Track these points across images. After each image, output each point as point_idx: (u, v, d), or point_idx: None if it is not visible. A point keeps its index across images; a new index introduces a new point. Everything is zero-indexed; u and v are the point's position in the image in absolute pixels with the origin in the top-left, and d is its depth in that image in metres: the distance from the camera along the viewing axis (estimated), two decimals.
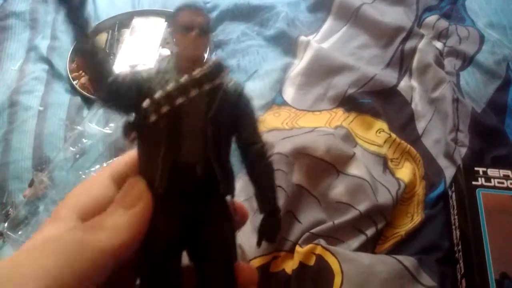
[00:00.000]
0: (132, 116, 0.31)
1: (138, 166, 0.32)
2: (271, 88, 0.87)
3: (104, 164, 0.71)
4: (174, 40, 0.32)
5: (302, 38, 0.94)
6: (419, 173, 0.79)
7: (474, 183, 0.68)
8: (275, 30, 0.97)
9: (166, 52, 0.96)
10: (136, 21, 1.02)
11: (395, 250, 0.70)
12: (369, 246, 0.70)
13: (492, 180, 0.69)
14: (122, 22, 1.03)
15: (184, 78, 0.30)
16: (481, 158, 0.79)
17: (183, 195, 0.32)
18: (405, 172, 0.77)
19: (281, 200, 0.69)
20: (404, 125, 0.84)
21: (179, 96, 0.30)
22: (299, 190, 0.73)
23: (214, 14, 1.04)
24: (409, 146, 0.80)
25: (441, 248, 0.70)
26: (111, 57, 0.93)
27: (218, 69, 0.31)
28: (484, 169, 0.70)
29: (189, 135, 0.31)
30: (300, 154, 0.74)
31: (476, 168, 0.70)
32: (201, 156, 0.31)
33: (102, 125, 0.77)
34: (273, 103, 0.86)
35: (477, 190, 0.67)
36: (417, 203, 0.76)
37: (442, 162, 0.80)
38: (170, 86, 0.30)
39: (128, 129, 0.32)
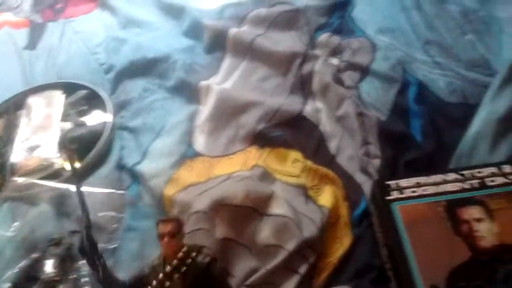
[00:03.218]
0: None
1: None
2: (180, 142, 0.86)
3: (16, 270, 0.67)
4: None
5: (203, 83, 0.93)
6: (341, 195, 0.79)
7: (388, 198, 0.69)
8: (174, 80, 0.96)
9: (68, 125, 0.92)
10: (31, 100, 0.98)
11: (331, 280, 0.70)
12: (305, 283, 0.70)
13: (405, 191, 0.70)
14: (17, 103, 0.98)
15: (167, 268, 0.55)
16: (395, 165, 0.81)
17: None
18: (326, 197, 0.78)
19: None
20: (316, 148, 0.85)
21: (166, 281, 0.54)
22: (226, 243, 0.72)
23: (111, 75, 1.01)
24: (326, 170, 0.81)
25: (374, 267, 0.70)
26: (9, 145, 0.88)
27: (190, 253, 0.55)
28: (396, 181, 0.71)
29: None
30: (220, 206, 0.73)
31: (387, 182, 0.71)
32: None
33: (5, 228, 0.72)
34: (185, 157, 0.84)
35: (392, 205, 0.68)
36: (343, 225, 0.76)
37: (360, 177, 0.81)
38: (160, 276, 0.55)
39: None
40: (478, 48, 0.93)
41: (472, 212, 0.66)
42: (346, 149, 0.84)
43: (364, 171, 0.81)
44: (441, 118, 0.86)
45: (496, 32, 0.94)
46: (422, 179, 0.71)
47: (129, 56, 1.02)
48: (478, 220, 0.65)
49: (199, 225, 0.71)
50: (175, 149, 0.84)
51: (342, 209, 0.78)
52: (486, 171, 0.70)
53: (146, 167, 0.82)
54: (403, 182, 0.71)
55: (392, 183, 0.71)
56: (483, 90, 0.86)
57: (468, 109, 0.85)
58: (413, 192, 0.69)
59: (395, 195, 0.69)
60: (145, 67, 1.00)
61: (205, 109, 0.90)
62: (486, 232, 0.64)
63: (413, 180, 0.71)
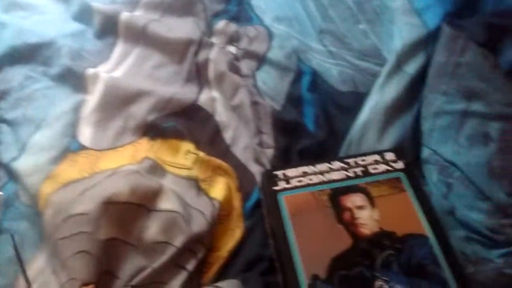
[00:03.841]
0: None
1: None
2: (63, 134, 0.79)
3: None
4: None
5: (90, 70, 0.87)
6: (234, 186, 0.78)
7: (274, 188, 0.69)
8: (59, 67, 0.88)
9: None
10: None
11: (221, 274, 0.69)
12: (194, 279, 0.68)
13: (291, 180, 0.70)
14: None
15: None
16: (288, 155, 0.81)
17: None
18: (218, 189, 0.76)
19: (86, 268, 0.63)
20: (211, 139, 0.83)
21: None
22: (112, 243, 0.68)
23: None
24: (219, 161, 0.79)
25: (264, 258, 0.70)
26: None
27: None
28: (283, 171, 0.71)
29: None
30: (104, 205, 0.68)
31: (275, 172, 0.71)
32: None
33: None
34: (68, 151, 0.78)
35: (278, 195, 0.68)
36: (236, 217, 0.75)
37: (254, 168, 0.80)
38: None
39: None
40: (371, 38, 0.95)
41: (354, 200, 0.68)
42: (241, 139, 0.83)
43: (258, 161, 0.80)
44: (333, 106, 0.87)
45: (388, 22, 0.97)
46: (308, 169, 0.71)
47: (9, 41, 0.93)
48: (360, 207, 0.67)
49: (79, 229, 0.66)
50: (57, 143, 0.78)
51: (235, 201, 0.77)
52: (370, 159, 0.72)
53: (23, 163, 0.75)
54: (290, 172, 0.71)
55: (279, 173, 0.71)
56: (373, 79, 0.88)
57: (358, 98, 0.87)
58: (299, 181, 0.70)
59: (281, 185, 0.69)
60: (27, 53, 0.91)
61: (92, 99, 0.84)
62: (367, 219, 0.66)
63: (299, 170, 0.71)
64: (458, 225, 0.71)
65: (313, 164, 0.71)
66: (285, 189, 0.69)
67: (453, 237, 0.70)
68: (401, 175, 0.70)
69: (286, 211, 0.66)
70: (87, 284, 0.64)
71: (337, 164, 0.71)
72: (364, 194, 0.68)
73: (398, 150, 0.74)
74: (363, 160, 0.72)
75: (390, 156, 0.73)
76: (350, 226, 0.65)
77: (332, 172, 0.71)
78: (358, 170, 0.71)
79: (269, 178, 0.70)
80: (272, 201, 0.68)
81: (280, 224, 0.65)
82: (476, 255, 0.68)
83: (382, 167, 0.71)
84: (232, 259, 0.70)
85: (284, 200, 0.68)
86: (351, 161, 0.72)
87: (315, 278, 0.61)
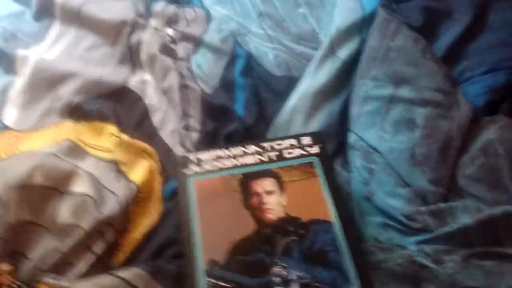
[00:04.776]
0: None
1: None
2: None
3: None
4: None
5: (19, 52, 0.86)
6: (157, 170, 0.78)
7: (185, 171, 0.68)
8: None
9: None
10: None
11: (131, 258, 0.68)
12: (102, 261, 0.67)
13: (204, 164, 0.69)
14: None
15: None
16: (214, 138, 0.81)
17: None
18: (138, 172, 0.75)
19: None
20: (138, 122, 0.82)
21: None
22: (24, 226, 0.67)
23: None
24: (143, 144, 0.79)
25: (176, 242, 0.69)
26: None
27: None
28: (197, 155, 0.70)
29: None
30: (16, 189, 0.68)
31: (188, 156, 0.70)
32: None
33: None
34: None
35: (188, 178, 0.67)
36: (156, 200, 0.75)
37: (179, 151, 0.79)
38: None
39: None
40: (309, 21, 0.94)
41: (264, 185, 0.67)
42: (170, 123, 0.82)
43: (183, 145, 0.80)
44: (265, 91, 0.86)
45: (330, 6, 0.95)
46: (222, 152, 0.70)
47: None
48: (269, 192, 0.66)
49: None
50: None
51: (156, 184, 0.76)
52: (286, 143, 0.71)
53: None
54: (203, 155, 0.70)
55: (192, 156, 0.70)
56: (308, 64, 0.87)
57: (291, 82, 0.86)
58: (212, 165, 0.69)
59: (193, 168, 0.69)
60: None
61: (20, 80, 0.83)
62: (275, 204, 0.65)
63: (213, 153, 0.70)
64: (376, 211, 0.71)
65: (227, 148, 0.70)
66: (196, 173, 0.68)
67: (370, 223, 0.70)
68: (315, 160, 0.69)
69: (193, 195, 0.66)
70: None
71: (252, 148, 0.70)
72: (275, 179, 0.67)
73: (316, 135, 0.72)
74: (278, 145, 0.71)
75: (306, 140, 0.71)
76: (257, 211, 0.64)
77: (246, 156, 0.70)
78: (273, 155, 0.70)
79: (182, 162, 0.70)
80: (181, 184, 0.67)
81: (185, 208, 0.65)
82: (390, 242, 0.67)
83: (297, 152, 0.70)
84: (146, 242, 0.70)
85: (193, 184, 0.67)
86: (266, 145, 0.71)
87: (213, 263, 0.60)
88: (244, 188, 0.67)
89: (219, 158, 0.70)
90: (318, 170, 0.68)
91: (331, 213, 0.64)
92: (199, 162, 0.69)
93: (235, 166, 0.69)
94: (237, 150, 0.70)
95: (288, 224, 0.63)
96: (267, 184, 0.67)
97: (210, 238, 0.62)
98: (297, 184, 0.67)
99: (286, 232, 0.63)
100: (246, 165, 0.69)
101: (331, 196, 0.66)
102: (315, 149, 0.70)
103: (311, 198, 0.66)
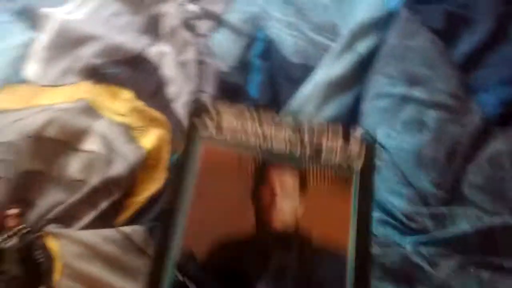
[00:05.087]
0: None
1: None
2: (8, 65, 0.81)
3: None
4: None
5: (44, 10, 0.88)
6: (168, 139, 0.79)
7: (198, 133, 0.60)
8: (20, 4, 0.90)
9: None
10: None
11: (134, 218, 0.70)
12: (107, 219, 0.69)
13: (224, 131, 0.60)
14: None
15: None
16: None
17: None
18: (149, 139, 0.77)
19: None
20: (153, 92, 0.84)
21: None
22: (35, 174, 0.70)
23: None
24: (156, 113, 0.80)
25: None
26: None
27: None
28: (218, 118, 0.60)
29: None
30: (30, 138, 0.70)
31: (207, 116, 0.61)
32: None
33: None
34: (10, 82, 0.80)
35: (197, 142, 0.59)
36: (163, 168, 0.76)
37: None
38: None
39: None
40: (331, 13, 0.95)
41: (284, 179, 0.58)
42: (183, 96, 0.84)
43: None
44: (281, 76, 0.87)
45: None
46: (250, 119, 0.61)
47: None
48: (286, 192, 0.57)
49: (2, 156, 0.68)
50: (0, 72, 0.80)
51: (165, 153, 0.78)
52: (330, 141, 0.61)
53: None
54: (226, 121, 0.60)
55: (212, 117, 0.61)
56: (324, 54, 0.88)
57: (307, 71, 0.87)
58: (232, 136, 0.59)
59: (209, 132, 0.60)
60: None
61: (45, 37, 0.85)
62: (288, 211, 0.56)
63: (238, 123, 0.60)
64: (376, 206, 0.71)
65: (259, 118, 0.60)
66: (210, 138, 0.59)
67: None
68: (355, 174, 0.58)
69: (196, 164, 0.58)
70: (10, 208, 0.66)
71: (287, 130, 0.60)
72: (299, 177, 0.58)
73: (370, 144, 0.62)
74: (319, 137, 0.60)
75: (355, 146, 0.61)
76: (263, 209, 0.56)
77: (277, 136, 0.59)
78: (309, 149, 0.59)
79: (198, 120, 0.61)
80: (188, 146, 0.59)
81: (181, 176, 0.57)
82: (386, 238, 0.68)
83: (339, 156, 0.60)
84: (148, 206, 0.72)
85: (202, 151, 0.58)
86: (305, 136, 0.60)
87: (189, 257, 0.53)
88: (259, 174, 0.58)
89: (243, 129, 0.61)
90: (354, 188, 0.57)
91: (349, 244, 0.54)
92: (219, 127, 0.60)
93: (259, 146, 0.59)
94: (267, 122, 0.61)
95: (294, 240, 0.54)
96: (287, 179, 0.58)
97: (196, 223, 0.53)
98: (323, 194, 0.57)
99: (288, 248, 0.54)
100: (272, 148, 0.59)
101: (357, 223, 0.55)
102: (360, 161, 0.60)
103: (334, 217, 0.55)
